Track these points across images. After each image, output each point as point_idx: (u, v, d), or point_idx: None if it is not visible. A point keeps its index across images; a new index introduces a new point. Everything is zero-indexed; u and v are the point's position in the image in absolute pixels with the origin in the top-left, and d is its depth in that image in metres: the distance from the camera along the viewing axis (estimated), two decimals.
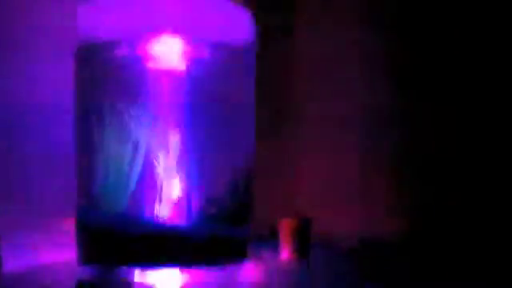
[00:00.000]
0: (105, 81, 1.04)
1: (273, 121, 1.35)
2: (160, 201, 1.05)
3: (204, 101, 1.05)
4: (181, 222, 1.05)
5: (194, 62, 1.03)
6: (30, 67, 1.08)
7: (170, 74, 1.03)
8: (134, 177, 1.04)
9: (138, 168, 1.04)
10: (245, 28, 1.09)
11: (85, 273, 0.96)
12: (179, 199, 1.05)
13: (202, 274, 1.03)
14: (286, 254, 1.18)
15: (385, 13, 1.27)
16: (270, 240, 1.21)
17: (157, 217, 1.05)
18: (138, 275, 0.98)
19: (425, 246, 1.22)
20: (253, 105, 1.12)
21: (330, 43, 1.32)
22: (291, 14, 1.34)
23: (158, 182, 1.05)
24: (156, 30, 1.01)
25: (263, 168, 1.27)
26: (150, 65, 1.03)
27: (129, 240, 1.01)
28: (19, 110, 1.07)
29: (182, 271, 1.02)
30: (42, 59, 1.09)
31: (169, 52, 1.02)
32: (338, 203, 1.31)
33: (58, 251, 1.11)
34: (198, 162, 1.05)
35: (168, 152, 1.05)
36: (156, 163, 1.05)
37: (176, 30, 1.01)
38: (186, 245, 1.02)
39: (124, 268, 0.98)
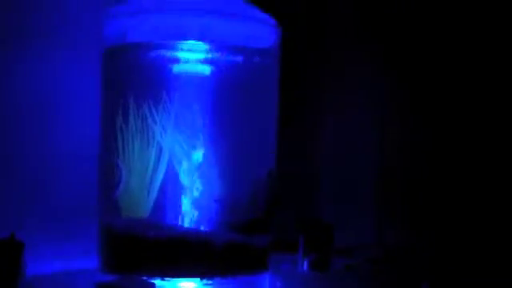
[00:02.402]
0: (130, 84, 1.05)
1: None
2: (182, 207, 1.06)
3: (229, 107, 1.05)
4: (201, 228, 1.05)
5: (218, 67, 1.05)
6: (55, 65, 1.10)
7: (195, 78, 1.04)
8: (157, 183, 1.05)
9: (160, 174, 1.05)
10: (269, 33, 1.10)
11: (105, 279, 0.96)
12: (200, 206, 1.06)
13: (222, 283, 1.02)
14: (306, 266, 1.18)
15: None
16: (291, 252, 1.20)
17: (178, 223, 1.05)
18: (159, 283, 0.98)
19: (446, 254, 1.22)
20: (276, 113, 1.13)
21: None
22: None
23: (181, 189, 1.06)
24: (182, 35, 1.03)
25: (286, 179, 1.27)
26: (176, 69, 1.05)
27: (150, 245, 1.01)
28: (46, 109, 1.09)
29: (202, 280, 1.02)
30: (68, 59, 1.11)
31: (194, 57, 1.04)
32: (358, 213, 1.31)
33: (81, 258, 1.11)
34: (221, 169, 1.06)
35: (191, 159, 1.06)
36: (179, 170, 1.05)
37: (202, 36, 1.03)
38: (206, 251, 1.02)
39: (144, 276, 0.98)
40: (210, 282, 1.01)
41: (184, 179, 1.05)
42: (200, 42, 1.03)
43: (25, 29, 1.09)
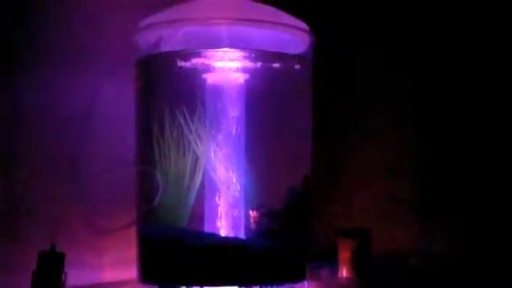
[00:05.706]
0: (164, 93, 1.06)
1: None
2: (219, 215, 1.06)
3: (263, 114, 1.05)
4: (239, 236, 1.06)
5: (252, 74, 1.05)
6: (91, 79, 1.11)
7: (229, 86, 1.05)
8: (194, 191, 1.06)
9: (197, 182, 1.06)
10: (303, 39, 1.10)
11: None
12: (238, 213, 1.06)
13: None
14: (345, 273, 1.17)
15: None
16: (329, 259, 1.19)
17: (216, 231, 1.05)
18: None
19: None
20: (310, 119, 1.12)
21: None
22: None
23: (217, 197, 1.06)
24: (216, 43, 1.03)
25: (322, 186, 1.27)
26: (210, 77, 1.05)
27: (188, 253, 1.01)
28: (82, 121, 1.10)
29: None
30: (103, 71, 1.12)
31: (228, 65, 1.04)
32: (396, 219, 1.30)
33: (119, 269, 1.11)
34: (257, 176, 1.06)
35: (227, 167, 1.06)
36: (215, 178, 1.06)
37: (235, 44, 1.03)
38: (244, 259, 1.02)
39: (183, 285, 0.98)
40: None
41: (220, 187, 1.06)
42: (234, 50, 1.04)
43: (66, 43, 1.12)
